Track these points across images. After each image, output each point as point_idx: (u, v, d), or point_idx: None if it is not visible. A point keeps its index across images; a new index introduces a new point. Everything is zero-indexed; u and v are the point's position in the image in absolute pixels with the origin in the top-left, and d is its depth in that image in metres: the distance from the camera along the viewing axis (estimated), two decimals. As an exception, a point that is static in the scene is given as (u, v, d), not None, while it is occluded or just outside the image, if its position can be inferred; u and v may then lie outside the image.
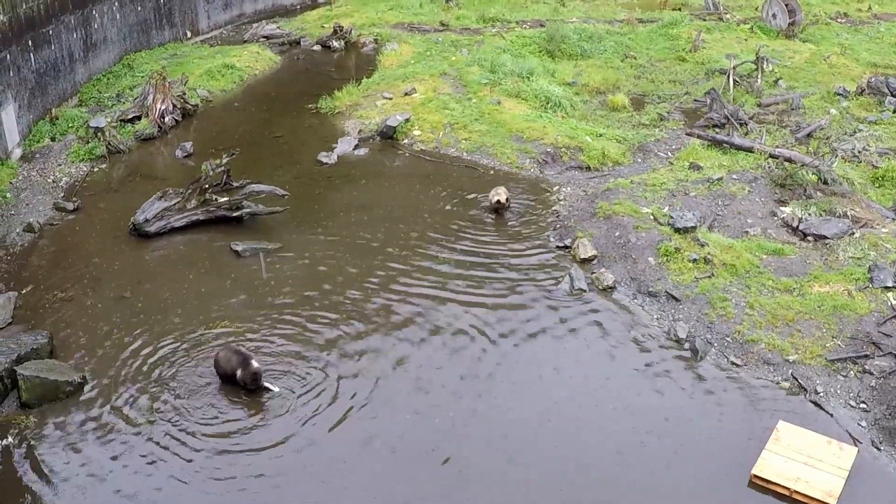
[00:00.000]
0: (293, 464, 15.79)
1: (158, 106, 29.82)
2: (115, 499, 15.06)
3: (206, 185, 23.71)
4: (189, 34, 40.28)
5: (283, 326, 19.54)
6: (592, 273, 21.35)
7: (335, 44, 39.66)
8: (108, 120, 28.92)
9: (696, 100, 32.67)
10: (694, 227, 22.21)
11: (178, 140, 29.12)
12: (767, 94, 32.60)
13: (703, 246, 21.47)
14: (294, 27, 42.56)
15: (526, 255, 22.32)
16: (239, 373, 17.33)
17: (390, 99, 31.84)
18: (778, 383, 17.73)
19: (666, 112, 31.71)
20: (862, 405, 17.07)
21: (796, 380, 17.72)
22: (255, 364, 17.44)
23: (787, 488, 15.19)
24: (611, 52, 37.41)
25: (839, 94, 31.94)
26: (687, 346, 18.87)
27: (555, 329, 19.56)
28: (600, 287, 20.91)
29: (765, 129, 28.89)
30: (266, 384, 17.46)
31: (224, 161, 24.04)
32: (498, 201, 24.11)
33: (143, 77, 32.70)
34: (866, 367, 17.80)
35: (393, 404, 17.25)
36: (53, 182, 26.09)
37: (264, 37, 40.53)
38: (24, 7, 27.81)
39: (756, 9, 42.56)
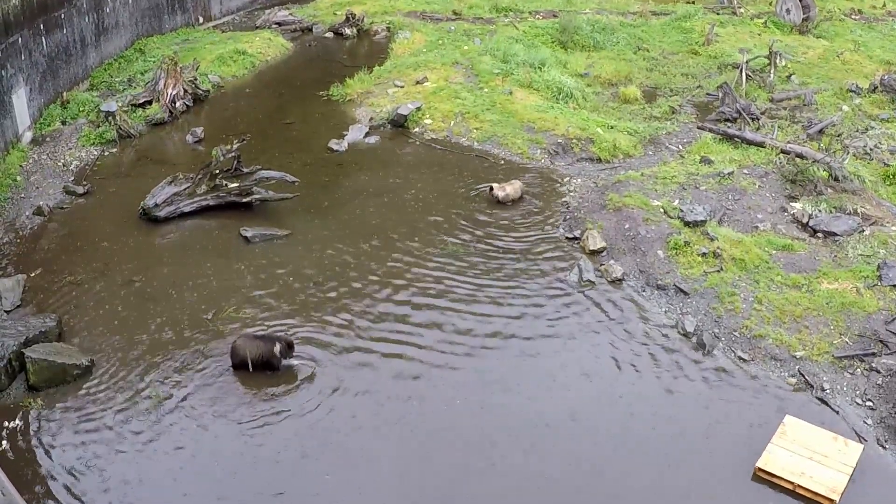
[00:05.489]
0: (303, 450, 15.87)
1: (170, 91, 29.82)
2: (121, 482, 15.13)
3: (217, 171, 23.75)
4: (201, 19, 40.25)
5: (292, 312, 19.57)
6: (601, 265, 21.35)
7: (347, 31, 39.59)
8: (119, 104, 28.93)
9: (708, 93, 32.57)
10: (704, 221, 22.19)
11: (189, 125, 29.14)
12: (780, 90, 32.50)
13: (712, 240, 21.45)
14: (306, 14, 42.48)
15: (535, 246, 22.32)
16: (277, 347, 17.61)
17: (402, 87, 31.81)
18: (785, 379, 17.73)
19: (678, 105, 31.60)
20: (868, 403, 17.07)
21: (803, 376, 17.72)
22: (286, 336, 18.07)
23: (791, 483, 15.21)
24: (623, 44, 37.30)
25: (852, 91, 31.84)
26: (694, 339, 18.86)
27: (562, 321, 19.57)
28: (609, 279, 20.90)
29: (776, 125, 28.82)
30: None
31: (234, 147, 24.08)
32: (491, 190, 24.20)
33: (154, 62, 32.69)
34: (873, 364, 17.79)
35: (400, 391, 17.31)
36: (64, 166, 26.12)
37: (276, 23, 40.48)
38: (38, -10, 27.87)
39: (770, 3, 42.40)
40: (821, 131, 28.24)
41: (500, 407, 16.99)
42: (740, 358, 18.31)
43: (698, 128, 28.86)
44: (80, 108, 29.29)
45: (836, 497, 14.96)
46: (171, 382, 17.39)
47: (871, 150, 26.44)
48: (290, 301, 20.01)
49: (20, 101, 26.85)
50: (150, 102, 29.73)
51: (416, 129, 28.98)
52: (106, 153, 27.18)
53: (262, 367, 17.68)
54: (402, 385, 17.53)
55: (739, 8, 42.12)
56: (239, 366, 17.74)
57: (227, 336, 18.63)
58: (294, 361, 17.92)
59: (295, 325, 19.12)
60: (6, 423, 16.23)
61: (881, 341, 18.32)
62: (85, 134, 27.79)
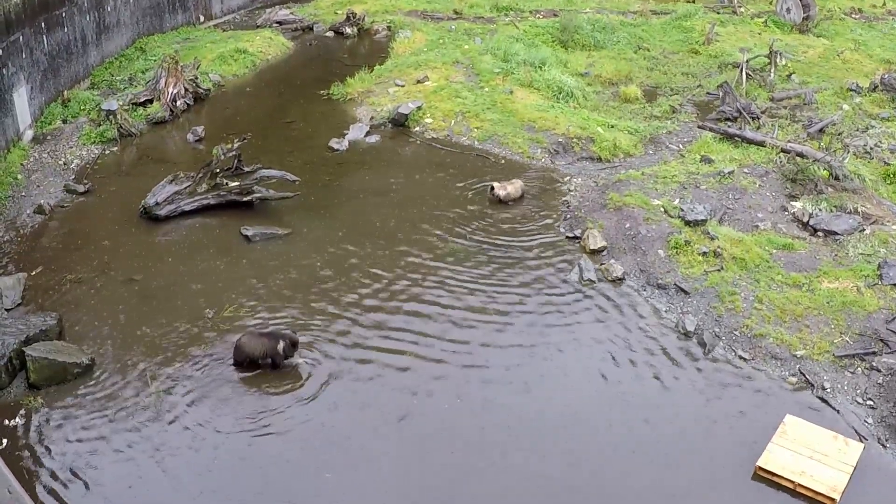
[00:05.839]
0: (304, 450, 15.87)
1: (170, 90, 29.83)
2: (121, 480, 15.13)
3: (217, 170, 23.76)
4: (202, 18, 40.27)
5: (293, 311, 19.57)
6: (602, 264, 21.35)
7: (348, 30, 39.60)
8: (120, 103, 28.94)
9: (708, 93, 32.57)
10: (704, 221, 22.19)
11: (190, 124, 29.16)
12: (780, 89, 32.50)
13: (712, 239, 21.45)
14: (307, 13, 42.50)
15: (535, 245, 22.32)
16: (280, 345, 17.64)
17: (402, 86, 31.81)
18: (785, 378, 17.73)
19: (678, 104, 31.60)
20: (869, 402, 17.06)
21: (804, 375, 17.71)
22: (290, 334, 18.06)
23: (792, 481, 15.21)
24: (624, 43, 37.30)
25: (852, 90, 31.83)
26: (695, 339, 18.86)
27: (562, 320, 19.56)
28: (609, 278, 20.90)
29: (777, 124, 28.82)
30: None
31: (235, 146, 24.09)
32: (492, 190, 24.25)
33: (155, 61, 32.71)
34: (874, 364, 17.79)
35: (400, 391, 17.31)
36: (64, 164, 26.13)
37: (277, 22, 40.51)
38: (38, -12, 27.88)
39: (770, 2, 42.40)
40: (821, 130, 28.24)
41: (500, 407, 16.99)
42: (741, 357, 18.31)
43: (699, 127, 28.86)
44: (81, 107, 29.31)
45: (836, 496, 14.97)
46: (172, 381, 17.39)
47: (871, 148, 26.44)
48: (290, 300, 20.01)
49: (21, 100, 26.85)
50: (150, 101, 29.75)
51: (417, 129, 28.98)
52: (107, 152, 27.19)
53: (266, 365, 17.72)
54: (402, 384, 17.53)
55: (740, 7, 42.13)
56: (242, 363, 17.75)
57: (227, 334, 18.65)
58: (298, 360, 17.94)
59: (296, 325, 19.08)
60: (6, 422, 16.25)
61: (882, 340, 18.32)
62: (86, 132, 27.80)
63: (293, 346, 17.88)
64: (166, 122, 29.31)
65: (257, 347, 17.69)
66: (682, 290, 20.25)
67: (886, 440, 16.25)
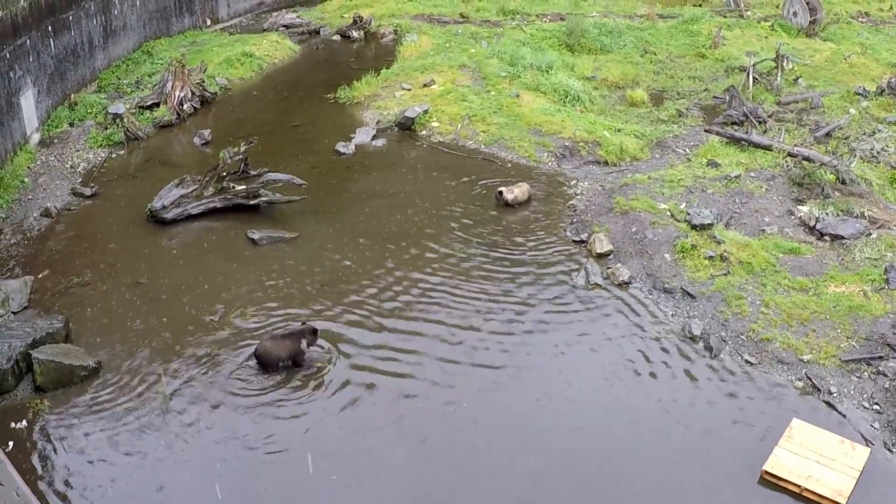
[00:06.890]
0: (309, 451, 15.84)
1: (177, 93, 29.89)
2: (128, 483, 15.14)
3: (224, 173, 23.78)
4: (209, 22, 40.34)
5: (299, 314, 19.57)
6: (608, 268, 21.33)
7: (355, 34, 39.66)
8: (127, 106, 29.02)
9: (715, 97, 32.56)
10: (711, 225, 22.16)
11: (196, 127, 29.19)
12: (787, 93, 32.48)
13: (719, 243, 21.43)
14: (314, 17, 42.58)
15: (542, 249, 22.30)
16: (303, 344, 17.78)
17: (409, 90, 31.84)
18: (792, 382, 17.69)
19: (685, 108, 31.61)
20: (875, 406, 17.02)
21: (810, 379, 17.67)
22: (307, 327, 18.22)
23: (798, 486, 15.18)
24: (630, 47, 37.32)
25: (859, 94, 31.78)
26: (701, 343, 18.82)
27: (568, 323, 19.55)
28: (615, 282, 20.87)
29: (783, 128, 28.79)
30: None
31: (242, 149, 24.12)
32: (500, 194, 24.25)
33: (162, 64, 32.80)
34: (880, 368, 17.74)
35: (406, 393, 17.32)
36: (71, 167, 26.19)
37: (284, 26, 40.58)
38: (45, -8, 27.96)
39: (777, 6, 42.38)
40: (828, 134, 28.22)
41: (504, 409, 16.99)
42: (747, 361, 18.27)
43: (705, 131, 28.84)
44: (88, 110, 29.41)
45: (842, 500, 14.93)
46: (178, 384, 17.41)
47: (878, 153, 26.40)
48: (297, 303, 20.01)
49: (28, 103, 26.92)
50: (157, 104, 29.83)
51: (424, 132, 29.01)
52: (113, 155, 27.25)
53: (287, 366, 17.80)
54: (407, 387, 17.53)
55: (746, 11, 42.10)
56: (270, 366, 17.75)
57: (234, 337, 18.68)
58: (310, 357, 17.99)
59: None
60: (13, 424, 16.27)
61: (888, 345, 18.27)
62: (92, 136, 27.87)
63: (314, 334, 18.03)
64: (173, 126, 29.38)
65: (282, 350, 17.71)
66: (689, 294, 20.23)
67: (893, 445, 16.21)
